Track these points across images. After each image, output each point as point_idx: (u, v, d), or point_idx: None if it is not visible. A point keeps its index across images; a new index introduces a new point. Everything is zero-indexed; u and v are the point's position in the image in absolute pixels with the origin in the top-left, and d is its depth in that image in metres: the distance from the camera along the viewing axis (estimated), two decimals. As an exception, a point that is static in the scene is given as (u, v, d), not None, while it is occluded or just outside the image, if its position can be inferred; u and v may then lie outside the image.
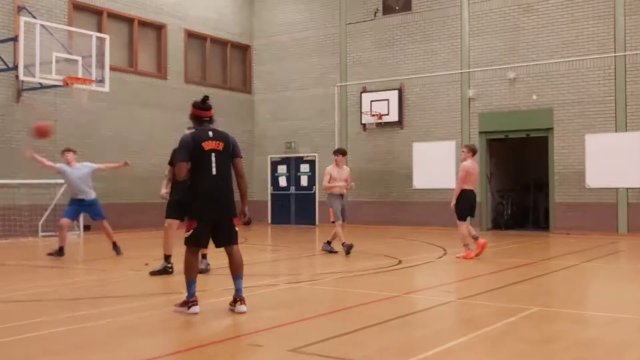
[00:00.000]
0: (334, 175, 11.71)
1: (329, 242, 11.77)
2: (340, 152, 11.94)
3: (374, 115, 19.22)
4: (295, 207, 21.07)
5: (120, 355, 4.72)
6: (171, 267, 8.72)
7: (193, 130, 6.28)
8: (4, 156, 15.07)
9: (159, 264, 8.91)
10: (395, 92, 19.05)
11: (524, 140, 18.29)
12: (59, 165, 11.27)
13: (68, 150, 11.33)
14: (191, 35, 19.93)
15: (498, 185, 18.81)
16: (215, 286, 7.79)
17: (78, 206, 11.22)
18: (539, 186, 18.94)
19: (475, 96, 17.78)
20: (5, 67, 13.62)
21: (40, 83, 14.04)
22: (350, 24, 20.10)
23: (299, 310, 6.48)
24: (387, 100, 19.13)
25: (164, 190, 9.03)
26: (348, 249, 11.19)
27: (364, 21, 19.83)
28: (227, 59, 21.25)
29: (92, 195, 11.18)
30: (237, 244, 6.34)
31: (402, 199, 19.02)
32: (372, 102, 19.35)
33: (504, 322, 5.76)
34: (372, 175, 19.55)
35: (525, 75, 17.19)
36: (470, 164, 10.69)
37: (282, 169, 21.42)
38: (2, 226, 14.63)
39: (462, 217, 10.66)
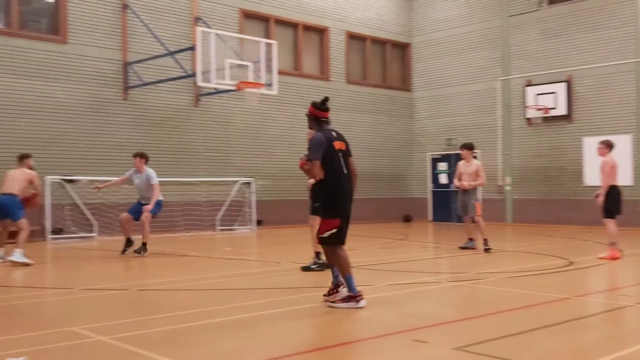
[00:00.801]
0: (461, 170, 11.95)
1: (485, 241, 11.59)
2: (465, 146, 12.06)
3: (539, 109, 18.47)
4: (455, 205, 20.78)
5: (291, 343, 5.08)
6: (320, 263, 8.85)
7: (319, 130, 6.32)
8: (186, 156, 16.48)
9: (309, 261, 9.10)
10: (563, 85, 18.16)
11: None
12: (126, 174, 11.53)
13: (137, 155, 11.33)
14: (352, 36, 20.40)
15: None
16: (376, 281, 8.00)
17: (139, 205, 11.29)
18: None
19: (653, 86, 16.47)
20: (185, 74, 14.85)
21: (215, 88, 15.15)
22: (512, 15, 19.46)
23: (463, 309, 6.50)
24: (554, 93, 18.29)
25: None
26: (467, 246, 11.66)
27: (528, 12, 19.10)
28: (387, 58, 21.48)
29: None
30: None
31: (571, 197, 18.10)
32: (538, 96, 18.61)
33: (687, 331, 5.39)
34: (538, 172, 18.81)
35: None
36: (610, 159, 10.25)
37: (442, 166, 21.26)
38: (184, 220, 16.04)
39: (609, 215, 10.27)
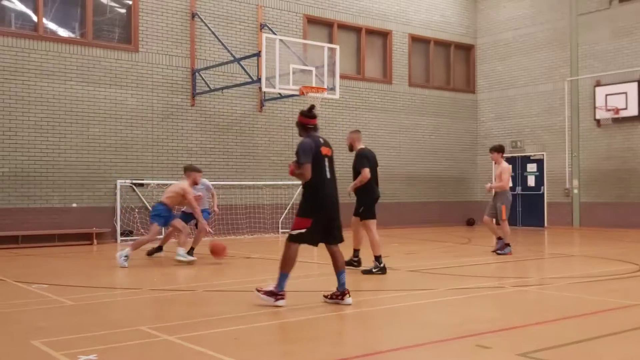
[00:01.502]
0: (496, 174, 11.99)
1: (507, 245, 11.46)
2: (493, 149, 11.94)
3: (609, 110, 17.90)
4: (522, 208, 20.39)
5: (347, 346, 5.13)
6: (381, 267, 8.93)
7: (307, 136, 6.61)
8: (251, 160, 16.79)
9: (371, 264, 9.15)
10: (635, 85, 17.56)
11: None
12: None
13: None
14: (415, 39, 20.31)
15: None
16: (438, 285, 7.95)
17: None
18: None
19: None
20: (250, 80, 15.13)
21: (279, 93, 15.37)
22: (581, 14, 18.94)
23: (527, 315, 6.39)
24: (625, 93, 17.70)
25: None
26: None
27: (598, 10, 18.55)
28: (451, 60, 21.27)
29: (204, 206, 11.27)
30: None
31: (643, 201, 17.46)
32: (607, 96, 18.04)
33: None
34: (608, 175, 18.23)
35: None
36: None
37: (507, 168, 20.84)
38: (248, 224, 16.34)
39: None
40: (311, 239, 6.52)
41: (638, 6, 17.74)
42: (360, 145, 9.51)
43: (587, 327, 5.78)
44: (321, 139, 6.62)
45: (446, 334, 5.42)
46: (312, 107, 6.72)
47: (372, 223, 9.14)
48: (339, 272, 6.59)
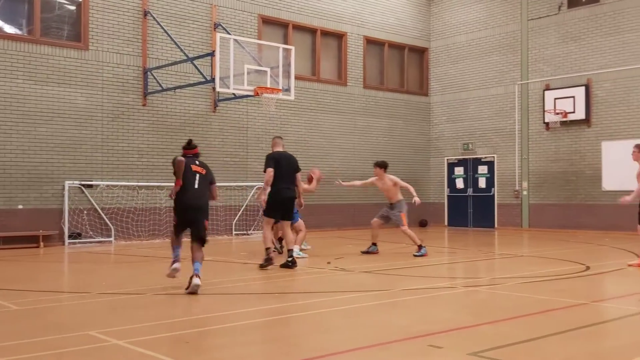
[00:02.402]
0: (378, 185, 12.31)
1: (421, 246, 11.71)
2: (375, 164, 12.16)
3: (558, 114, 18.36)
4: (473, 209, 20.74)
5: (305, 349, 5.11)
6: (268, 259, 9.80)
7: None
8: (204, 161, 16.55)
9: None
10: (582, 89, 18.05)
11: None
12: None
13: None
14: (370, 41, 20.43)
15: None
16: (392, 286, 8.00)
17: None
18: None
19: (674, 90, 16.31)
20: (204, 80, 14.96)
21: (233, 94, 15.24)
22: (532, 19, 19.38)
23: (478, 314, 6.48)
24: (573, 97, 18.18)
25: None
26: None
27: (547, 16, 19.02)
28: (405, 63, 21.48)
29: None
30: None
31: (589, 202, 17.96)
32: (556, 100, 18.50)
33: None
34: (556, 177, 18.69)
35: None
36: None
37: (459, 170, 21.20)
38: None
39: None
40: (176, 231, 8.15)
41: (586, 12, 18.25)
42: (277, 149, 10.16)
43: (535, 326, 5.88)
44: (197, 161, 8.27)
45: (399, 335, 5.45)
46: (190, 140, 8.50)
47: (267, 222, 10.06)
48: (193, 262, 7.77)
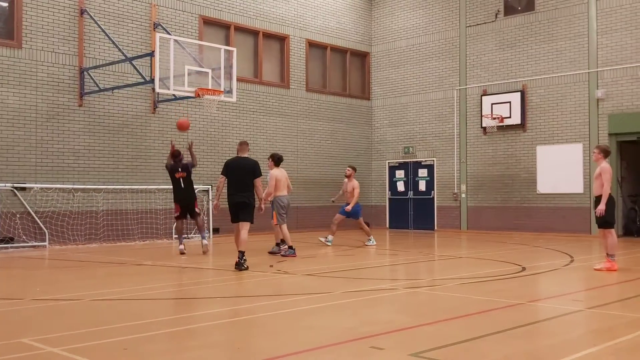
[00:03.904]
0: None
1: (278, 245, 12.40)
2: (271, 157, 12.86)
3: (494, 118, 18.84)
4: (413, 212, 21.05)
5: (249, 353, 5.05)
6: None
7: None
8: (142, 163, 16.26)
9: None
10: (518, 94, 18.58)
11: (660, 142, 17.22)
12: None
13: None
14: (312, 44, 20.49)
15: (630, 190, 17.82)
16: (334, 288, 8.02)
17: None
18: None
19: (604, 96, 16.98)
20: (143, 80, 14.67)
21: (174, 95, 14.99)
22: (470, 26, 19.84)
23: (419, 315, 6.57)
24: (509, 102, 18.69)
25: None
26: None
27: (485, 23, 19.50)
28: (347, 66, 21.63)
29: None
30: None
31: (525, 204, 18.50)
32: (493, 105, 18.99)
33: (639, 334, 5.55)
34: (493, 180, 19.17)
35: (660, 73, 16.20)
36: (608, 165, 9.95)
37: (400, 173, 21.48)
38: (139, 229, 15.82)
39: (610, 225, 9.87)
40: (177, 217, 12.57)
41: (522, 20, 18.81)
42: (239, 154, 10.51)
43: (474, 326, 6.00)
44: (180, 168, 12.36)
45: (341, 337, 5.46)
46: (172, 145, 12.35)
47: (236, 225, 10.30)
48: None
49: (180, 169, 12.44)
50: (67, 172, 14.96)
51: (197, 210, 12.62)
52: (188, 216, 12.67)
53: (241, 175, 10.18)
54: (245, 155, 10.46)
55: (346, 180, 15.05)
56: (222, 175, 10.31)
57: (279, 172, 12.47)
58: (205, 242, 12.44)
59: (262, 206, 10.46)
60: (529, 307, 7.02)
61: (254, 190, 10.24)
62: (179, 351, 5.07)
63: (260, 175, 10.32)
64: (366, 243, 14.63)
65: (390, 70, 21.78)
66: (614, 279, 9.09)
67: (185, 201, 12.47)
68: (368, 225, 15.39)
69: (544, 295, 8.32)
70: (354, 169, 15.23)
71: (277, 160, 12.59)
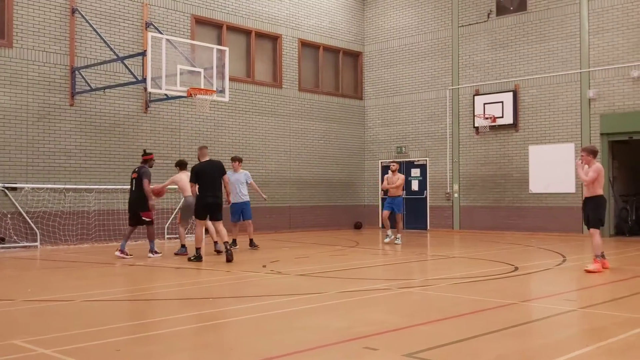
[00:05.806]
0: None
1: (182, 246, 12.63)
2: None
3: (487, 118, 18.88)
4: (406, 211, 21.05)
5: (241, 354, 5.03)
6: (197, 256, 11.26)
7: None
8: (135, 163, 16.17)
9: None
10: (510, 94, 18.62)
11: (651, 142, 17.31)
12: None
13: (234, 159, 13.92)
14: (305, 44, 20.47)
15: (621, 189, 17.91)
16: (328, 288, 8.01)
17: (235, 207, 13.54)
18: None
19: (595, 96, 17.04)
20: (135, 80, 14.61)
21: (166, 94, 14.94)
22: (462, 26, 19.87)
23: (413, 316, 6.56)
24: (501, 102, 18.73)
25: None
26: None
27: (477, 23, 19.54)
28: (339, 66, 21.63)
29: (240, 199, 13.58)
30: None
31: (517, 204, 18.55)
32: (486, 105, 19.03)
33: (632, 333, 5.57)
34: (485, 180, 19.22)
35: (651, 73, 16.28)
36: (599, 166, 9.93)
37: (393, 173, 21.46)
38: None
39: (598, 225, 9.87)
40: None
41: (514, 19, 18.85)
42: (203, 159, 11.51)
43: (467, 326, 6.01)
44: (136, 168, 12.07)
45: (335, 338, 5.45)
46: (144, 150, 11.53)
47: (198, 223, 11.54)
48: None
49: (136, 170, 12.17)
50: (59, 172, 14.89)
51: (146, 219, 11.96)
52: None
53: (214, 176, 11.28)
54: (208, 158, 11.56)
55: (390, 174, 15.31)
56: (193, 184, 11.24)
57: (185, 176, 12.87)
58: (150, 255, 11.93)
59: (230, 199, 12.06)
60: (521, 306, 7.03)
61: (222, 190, 11.39)
62: (171, 352, 5.04)
63: (225, 173, 11.55)
64: (395, 242, 14.86)
65: (382, 70, 21.79)
66: (606, 279, 9.12)
67: (130, 205, 12.19)
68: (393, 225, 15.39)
69: (537, 295, 8.34)
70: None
71: (183, 165, 13.05)
